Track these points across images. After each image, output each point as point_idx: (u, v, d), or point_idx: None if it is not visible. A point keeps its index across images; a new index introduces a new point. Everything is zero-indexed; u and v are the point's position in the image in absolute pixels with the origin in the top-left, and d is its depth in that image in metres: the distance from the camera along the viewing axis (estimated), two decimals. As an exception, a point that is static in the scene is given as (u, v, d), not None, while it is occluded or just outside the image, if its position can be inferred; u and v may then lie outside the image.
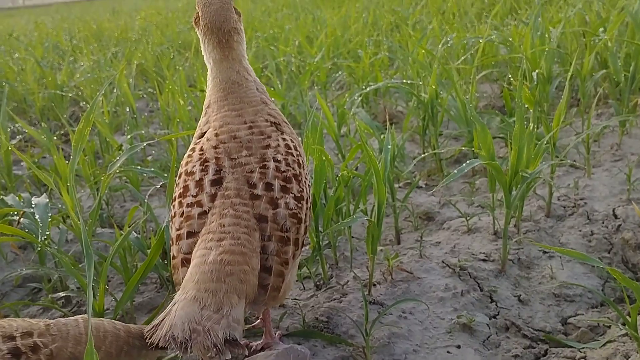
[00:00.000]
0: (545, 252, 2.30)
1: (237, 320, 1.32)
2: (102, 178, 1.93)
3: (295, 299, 2.08)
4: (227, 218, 1.48)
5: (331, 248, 2.29)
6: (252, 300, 1.46)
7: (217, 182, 1.54)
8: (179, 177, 1.63)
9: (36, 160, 3.61)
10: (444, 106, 3.11)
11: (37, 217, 1.78)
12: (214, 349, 1.26)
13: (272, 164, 1.56)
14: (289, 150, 1.61)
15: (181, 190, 1.58)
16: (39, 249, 1.82)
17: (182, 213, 1.54)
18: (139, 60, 5.69)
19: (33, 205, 1.82)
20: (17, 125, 4.30)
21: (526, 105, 2.55)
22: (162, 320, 1.32)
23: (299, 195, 1.57)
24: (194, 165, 1.59)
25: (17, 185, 3.40)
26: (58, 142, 3.98)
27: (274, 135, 1.62)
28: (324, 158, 2.05)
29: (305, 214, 1.60)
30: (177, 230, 1.54)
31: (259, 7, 10.21)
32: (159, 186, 2.98)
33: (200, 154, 1.60)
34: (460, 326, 1.90)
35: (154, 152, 4.02)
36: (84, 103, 4.75)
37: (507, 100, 3.14)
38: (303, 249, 1.77)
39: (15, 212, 2.14)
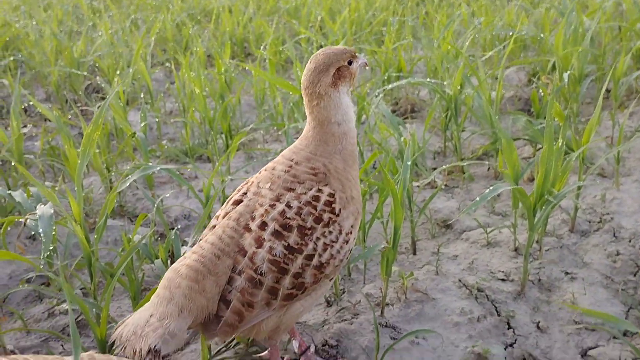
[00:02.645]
0: (567, 273, 2.21)
1: (172, 334, 1.41)
2: (116, 181, 1.86)
3: (304, 320, 2.02)
4: (212, 237, 1.55)
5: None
6: (203, 322, 1.49)
7: (237, 203, 1.60)
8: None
9: (50, 139, 3.56)
10: (469, 105, 2.98)
11: (40, 231, 1.72)
12: (137, 354, 1.37)
13: (280, 207, 1.53)
14: (314, 203, 1.54)
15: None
16: (42, 263, 1.78)
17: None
18: (159, 30, 5.57)
19: (38, 216, 1.76)
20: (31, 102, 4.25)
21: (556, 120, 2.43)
22: (126, 320, 1.48)
23: (296, 247, 1.50)
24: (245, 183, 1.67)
25: (30, 170, 3.36)
26: (72, 122, 3.92)
27: (308, 183, 1.57)
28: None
29: (303, 269, 1.51)
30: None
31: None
32: (173, 184, 2.91)
33: (256, 176, 1.66)
34: (475, 356, 1.83)
35: (169, 130, 3.95)
36: (101, 78, 4.67)
37: (535, 102, 3.00)
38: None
39: (20, 217, 2.09)
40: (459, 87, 2.83)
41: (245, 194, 1.61)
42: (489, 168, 3.05)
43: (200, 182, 3.14)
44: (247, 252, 1.49)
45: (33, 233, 2.59)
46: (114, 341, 1.45)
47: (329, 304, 2.09)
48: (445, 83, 3.04)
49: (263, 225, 1.51)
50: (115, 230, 2.64)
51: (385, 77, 3.56)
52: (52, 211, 1.80)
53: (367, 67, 1.72)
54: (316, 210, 1.53)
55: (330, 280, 1.63)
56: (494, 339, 1.91)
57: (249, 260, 1.49)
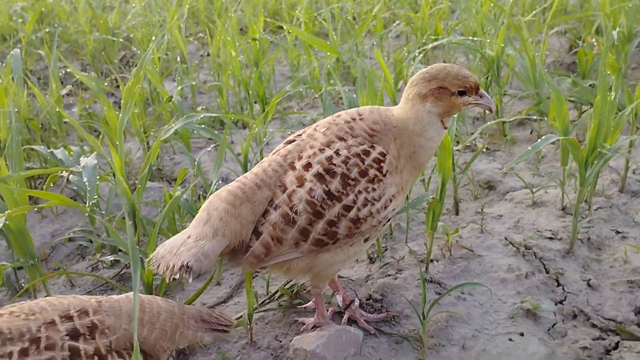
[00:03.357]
0: (618, 232, 2.13)
1: (205, 254, 1.43)
2: (154, 142, 1.85)
3: (343, 276, 1.99)
4: (257, 168, 1.55)
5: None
6: (233, 250, 1.49)
7: (289, 142, 1.60)
8: None
9: (87, 107, 3.58)
10: (511, 66, 2.89)
11: (85, 180, 1.72)
12: (169, 270, 1.41)
13: (328, 152, 1.50)
14: (363, 157, 1.50)
15: None
16: (87, 213, 1.77)
17: None
18: (191, 2, 5.54)
19: (81, 166, 1.76)
20: (69, 70, 4.27)
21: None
22: (165, 242, 1.53)
23: (335, 194, 1.46)
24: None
25: (68, 132, 3.38)
26: (108, 89, 3.93)
27: (361, 138, 1.53)
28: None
29: (338, 218, 1.47)
30: None
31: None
32: (210, 148, 2.89)
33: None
34: (524, 312, 1.78)
35: (203, 100, 3.94)
36: (135, 48, 4.67)
37: (581, 61, 2.90)
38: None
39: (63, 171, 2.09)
40: (502, 46, 2.74)
41: (300, 135, 1.60)
42: (531, 131, 2.97)
43: (237, 147, 3.12)
44: (287, 189, 1.49)
45: (74, 194, 2.60)
46: (150, 259, 1.49)
47: (371, 260, 2.06)
48: (488, 41, 2.95)
49: (307, 166, 1.49)
50: (155, 191, 2.64)
51: (423, 41, 3.48)
52: (96, 162, 1.79)
53: (490, 113, 1.62)
54: (363, 164, 1.49)
55: (366, 241, 1.59)
56: (543, 296, 1.85)
57: (287, 196, 1.48)
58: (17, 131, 1.81)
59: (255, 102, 3.39)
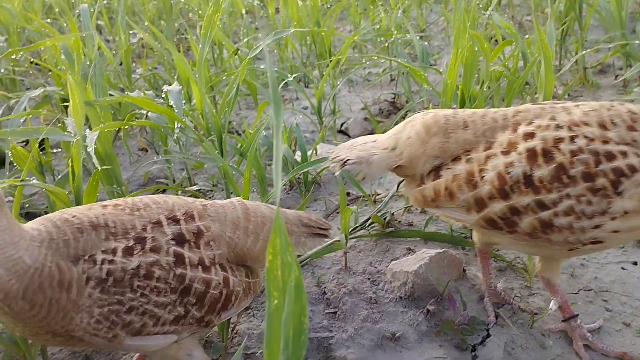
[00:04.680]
0: None
1: (369, 163, 1.37)
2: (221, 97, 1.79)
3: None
4: (480, 110, 1.37)
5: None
6: (409, 176, 1.39)
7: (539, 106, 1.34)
8: None
9: (150, 68, 3.56)
10: (595, 5, 2.74)
11: (171, 103, 1.67)
12: (333, 161, 1.41)
13: (563, 133, 1.21)
14: (599, 157, 1.17)
15: None
16: (176, 135, 1.73)
17: None
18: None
19: (168, 91, 1.71)
20: (132, 30, 4.27)
21: None
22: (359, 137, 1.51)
23: (537, 184, 1.20)
24: None
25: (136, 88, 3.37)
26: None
27: (622, 138, 1.18)
28: (476, 47, 1.80)
29: (524, 210, 1.22)
30: None
31: None
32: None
33: None
34: (635, 242, 1.66)
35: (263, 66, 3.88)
36: (192, 14, 4.65)
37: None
38: None
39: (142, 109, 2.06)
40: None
41: (556, 104, 1.31)
42: (616, 76, 2.81)
43: (302, 103, 3.06)
44: (491, 149, 1.26)
45: (143, 148, 2.57)
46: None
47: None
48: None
49: (529, 135, 1.23)
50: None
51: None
52: (181, 87, 1.74)
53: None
54: (596, 166, 1.16)
55: (571, 251, 1.28)
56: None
57: (484, 156, 1.25)
58: (99, 59, 1.77)
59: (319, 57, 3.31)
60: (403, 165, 1.36)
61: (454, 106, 1.90)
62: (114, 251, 1.04)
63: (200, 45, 1.85)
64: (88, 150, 1.32)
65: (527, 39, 2.39)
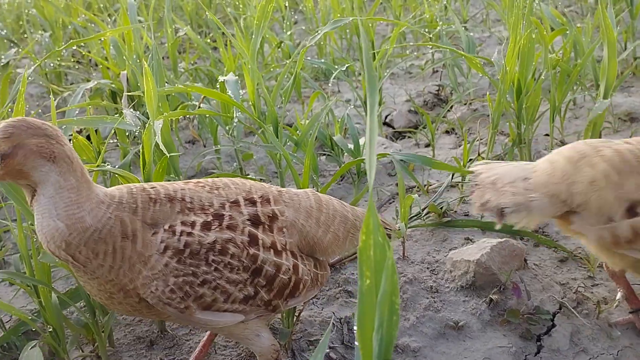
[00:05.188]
0: None
1: (530, 211, 1.24)
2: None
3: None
4: None
5: (522, 144, 2.04)
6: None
7: None
8: None
9: (192, 62, 3.59)
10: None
11: (229, 93, 1.68)
12: (480, 201, 1.30)
13: None
14: None
15: None
16: (235, 122, 1.74)
17: None
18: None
19: (224, 79, 1.72)
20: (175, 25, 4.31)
21: None
22: (496, 164, 1.38)
23: None
24: None
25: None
26: (213, 44, 3.94)
27: None
28: (533, 35, 1.78)
29: None
30: None
31: None
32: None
33: None
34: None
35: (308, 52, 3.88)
36: (231, 9, 4.67)
37: None
38: None
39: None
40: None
41: None
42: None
43: (344, 96, 3.05)
44: None
45: (190, 141, 2.60)
46: (470, 174, 1.36)
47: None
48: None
49: None
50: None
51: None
52: (237, 77, 1.75)
53: None
54: None
55: None
56: None
57: None
58: (156, 50, 1.79)
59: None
60: (578, 212, 1.21)
61: (508, 98, 1.88)
62: (192, 224, 1.05)
63: (253, 36, 1.87)
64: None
65: (577, 28, 2.35)
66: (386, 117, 2.71)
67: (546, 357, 1.32)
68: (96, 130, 1.78)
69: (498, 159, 2.04)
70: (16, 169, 0.96)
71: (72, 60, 3.91)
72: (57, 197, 0.98)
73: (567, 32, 2.18)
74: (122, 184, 1.22)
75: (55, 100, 2.61)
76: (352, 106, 2.56)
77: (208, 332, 1.33)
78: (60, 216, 0.98)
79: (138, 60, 2.29)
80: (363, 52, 0.73)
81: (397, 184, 2.07)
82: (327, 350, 1.36)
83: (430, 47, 3.28)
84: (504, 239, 1.52)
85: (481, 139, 2.21)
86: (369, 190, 0.65)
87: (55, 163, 0.97)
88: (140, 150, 1.27)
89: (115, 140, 2.38)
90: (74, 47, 4.22)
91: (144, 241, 1.02)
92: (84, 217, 0.99)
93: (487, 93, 1.86)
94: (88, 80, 2.96)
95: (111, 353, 1.39)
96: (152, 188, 1.07)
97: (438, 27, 2.83)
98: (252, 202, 1.12)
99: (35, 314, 1.35)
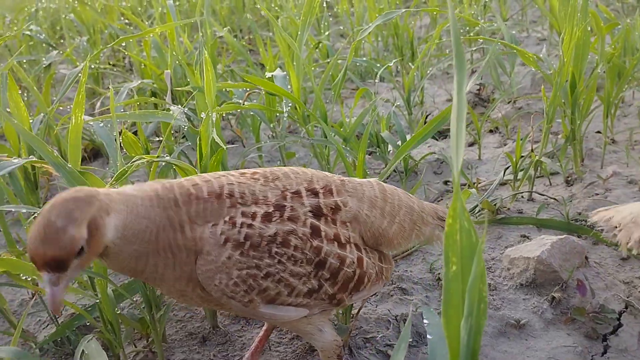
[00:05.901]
0: None
1: None
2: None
3: (543, 194, 1.83)
4: None
5: (575, 141, 1.99)
6: None
7: None
8: None
9: (228, 65, 3.59)
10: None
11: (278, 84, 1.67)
12: (632, 241, 1.27)
13: None
14: None
15: None
16: (286, 115, 1.72)
17: None
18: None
19: (272, 75, 1.71)
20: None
21: None
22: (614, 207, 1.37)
23: None
24: None
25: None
26: (250, 46, 3.95)
27: None
28: (589, 28, 1.73)
29: None
30: None
31: None
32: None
33: None
34: None
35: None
36: (264, 13, 4.68)
37: None
38: None
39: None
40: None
41: None
42: None
43: (382, 96, 3.02)
44: None
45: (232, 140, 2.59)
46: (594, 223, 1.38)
47: (568, 183, 1.88)
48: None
49: None
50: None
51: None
52: (285, 72, 1.74)
53: None
54: None
55: None
56: None
57: None
58: (202, 46, 1.78)
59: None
60: None
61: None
62: (253, 215, 1.02)
63: (300, 32, 1.85)
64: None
65: (626, 24, 2.29)
66: (427, 117, 2.67)
67: (613, 357, 1.27)
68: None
69: (549, 157, 1.99)
70: (99, 243, 0.92)
71: (109, 63, 3.94)
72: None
73: (620, 25, 2.13)
74: (180, 177, 1.21)
75: (97, 101, 2.63)
76: (395, 105, 2.53)
77: (264, 328, 1.30)
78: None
79: (177, 62, 2.29)
80: (452, 30, 0.70)
81: (444, 182, 2.04)
82: (385, 348, 1.33)
83: (469, 46, 3.23)
84: (564, 236, 1.47)
85: (530, 137, 2.16)
86: (452, 170, 0.62)
87: (110, 214, 0.93)
88: (197, 143, 1.26)
89: (158, 138, 2.39)
90: (110, 52, 4.27)
91: (192, 229, 0.99)
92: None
93: (542, 87, 1.82)
94: (124, 82, 2.98)
95: (164, 349, 1.38)
96: (194, 185, 1.03)
97: (479, 26, 2.79)
98: (314, 193, 1.08)
99: (89, 309, 1.34)
